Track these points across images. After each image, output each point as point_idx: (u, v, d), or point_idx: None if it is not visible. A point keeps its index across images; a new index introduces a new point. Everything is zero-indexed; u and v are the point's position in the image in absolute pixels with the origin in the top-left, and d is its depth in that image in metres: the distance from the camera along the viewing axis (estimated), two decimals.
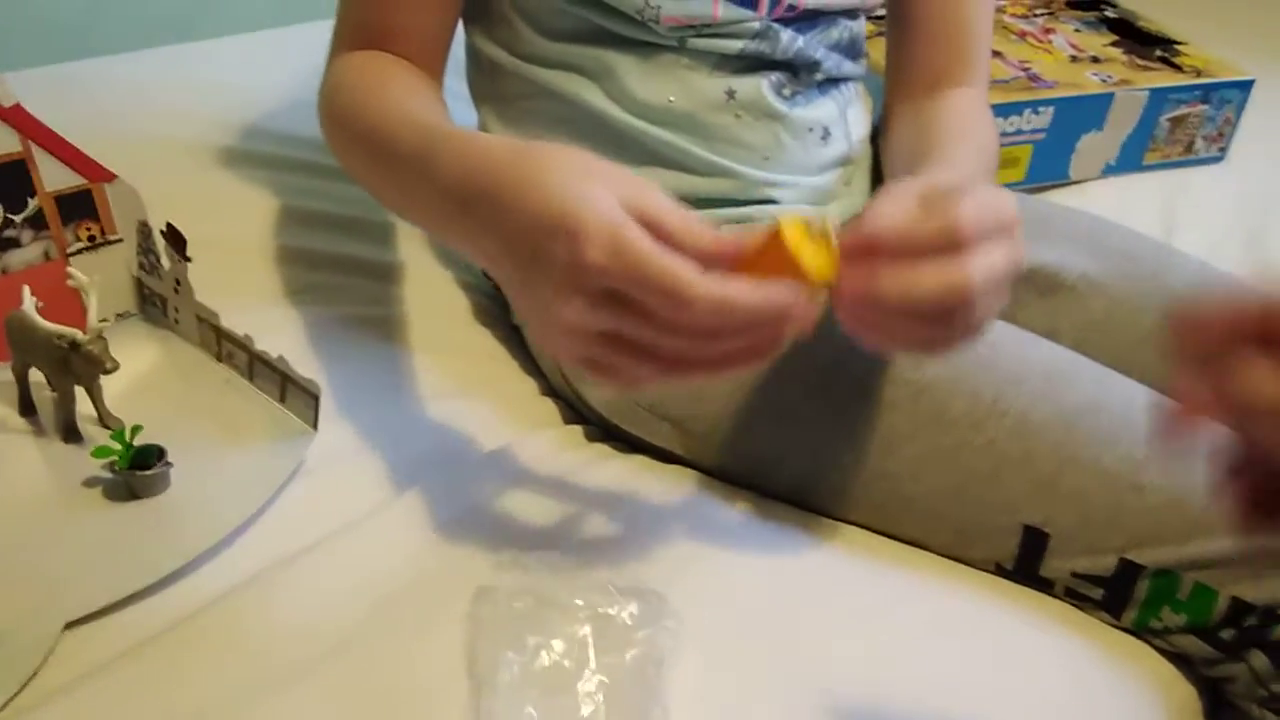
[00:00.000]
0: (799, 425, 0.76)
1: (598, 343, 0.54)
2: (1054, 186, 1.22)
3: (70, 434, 0.76)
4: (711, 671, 0.62)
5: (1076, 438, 0.70)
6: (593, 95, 0.80)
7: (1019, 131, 1.17)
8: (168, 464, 0.72)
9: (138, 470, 0.71)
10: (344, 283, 0.96)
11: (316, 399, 0.76)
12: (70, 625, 0.62)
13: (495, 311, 0.97)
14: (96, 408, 0.77)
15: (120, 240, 0.88)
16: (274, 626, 0.63)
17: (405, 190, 0.70)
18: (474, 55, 0.88)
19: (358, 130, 0.74)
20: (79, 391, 0.75)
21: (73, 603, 0.63)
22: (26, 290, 0.75)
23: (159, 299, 0.88)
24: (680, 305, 0.50)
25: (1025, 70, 1.21)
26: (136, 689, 0.59)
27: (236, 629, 0.63)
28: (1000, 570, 0.73)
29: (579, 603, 0.62)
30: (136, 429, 0.72)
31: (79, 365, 0.73)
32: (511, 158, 0.58)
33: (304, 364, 0.79)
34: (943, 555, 0.74)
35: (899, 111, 0.89)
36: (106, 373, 0.73)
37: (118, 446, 0.71)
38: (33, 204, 0.83)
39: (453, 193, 0.61)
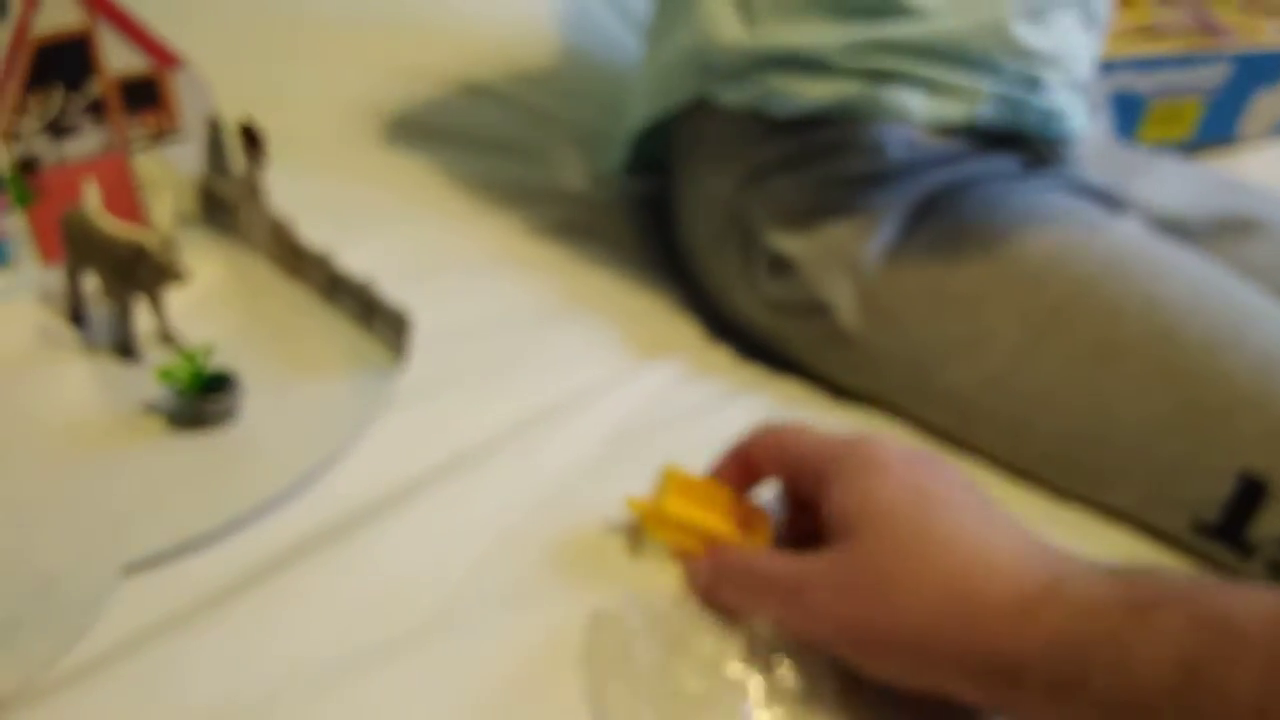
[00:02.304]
0: (1005, 316, 0.74)
1: None
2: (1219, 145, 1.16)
3: (128, 351, 0.70)
4: None
5: None
6: None
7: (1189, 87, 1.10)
8: (238, 392, 0.66)
9: (207, 396, 0.65)
10: (444, 197, 0.91)
11: (407, 326, 0.70)
12: (130, 570, 0.56)
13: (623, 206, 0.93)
14: (159, 318, 0.71)
15: (186, 135, 0.82)
16: (363, 587, 0.58)
17: None
18: None
19: None
20: (139, 304, 0.70)
21: (133, 544, 0.57)
22: (91, 187, 0.69)
23: (227, 205, 0.82)
24: None
25: (1200, 17, 1.14)
26: (205, 650, 0.53)
27: (319, 588, 0.57)
28: (1198, 527, 0.68)
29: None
30: (207, 351, 0.66)
31: (145, 273, 0.67)
32: None
33: (392, 286, 0.73)
34: (1129, 502, 0.71)
35: None
36: (176, 283, 0.67)
37: (186, 368, 0.65)
38: (94, 88, 0.77)
39: None
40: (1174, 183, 0.89)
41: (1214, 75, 1.07)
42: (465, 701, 0.52)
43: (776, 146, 0.81)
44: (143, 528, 0.58)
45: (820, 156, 0.80)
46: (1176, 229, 0.85)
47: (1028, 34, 0.78)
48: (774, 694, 0.51)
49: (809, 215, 0.80)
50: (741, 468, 0.58)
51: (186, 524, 0.58)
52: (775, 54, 0.79)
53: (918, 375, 0.77)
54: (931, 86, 0.79)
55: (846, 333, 0.79)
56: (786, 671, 0.51)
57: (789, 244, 0.80)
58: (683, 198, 0.89)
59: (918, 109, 0.79)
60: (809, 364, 0.82)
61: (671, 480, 0.58)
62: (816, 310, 0.79)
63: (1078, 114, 0.84)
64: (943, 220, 0.78)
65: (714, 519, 0.57)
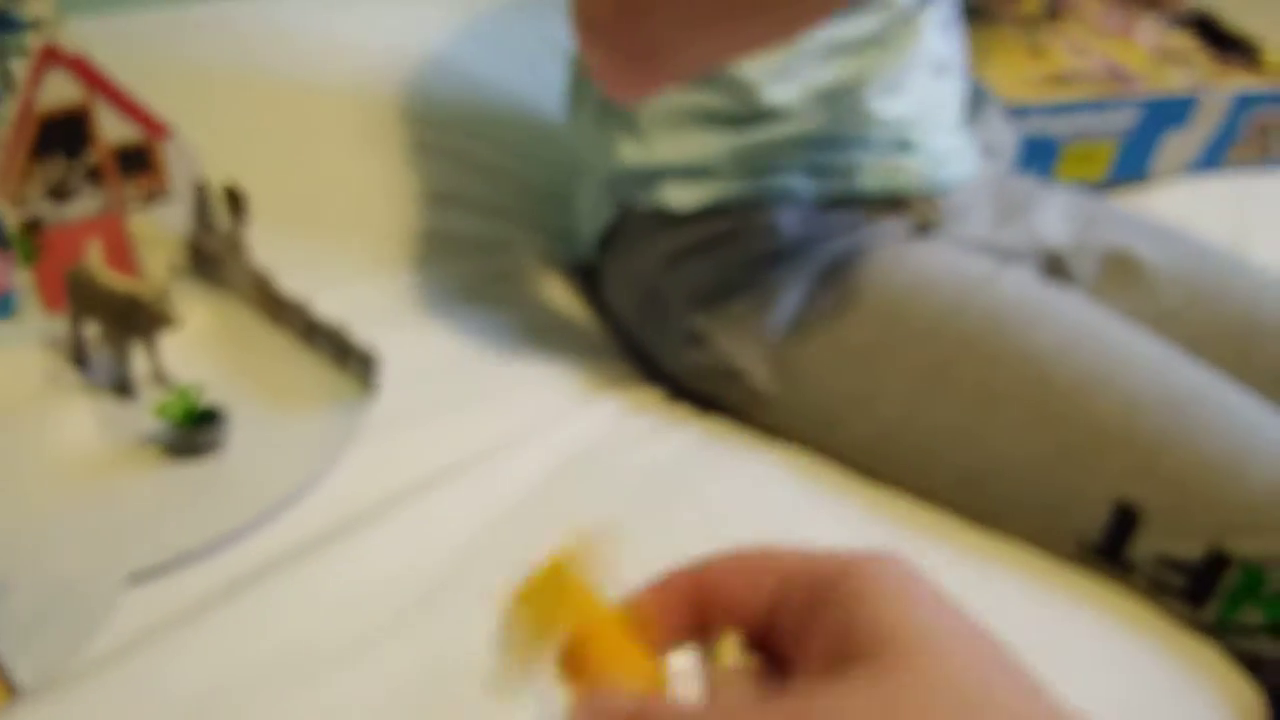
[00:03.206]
0: (898, 372, 0.80)
1: None
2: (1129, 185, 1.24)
3: (126, 389, 0.79)
4: None
5: (1181, 422, 0.73)
6: None
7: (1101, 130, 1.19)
8: (226, 424, 0.75)
9: (199, 429, 0.73)
10: (408, 249, 0.99)
11: (375, 365, 0.79)
12: (134, 579, 0.65)
13: (569, 271, 1.01)
14: (153, 364, 0.79)
15: (175, 197, 0.90)
16: (330, 597, 0.66)
17: None
18: None
19: None
20: (135, 348, 0.78)
21: (136, 557, 0.66)
22: (93, 245, 0.78)
23: (213, 259, 0.90)
24: None
25: (1109, 66, 1.23)
26: (202, 645, 0.61)
27: (294, 596, 0.65)
28: (1082, 550, 0.75)
29: None
30: (196, 390, 0.75)
31: (141, 320, 0.75)
32: None
33: (362, 329, 0.81)
34: (1023, 529, 0.77)
35: None
36: (169, 329, 0.75)
37: (179, 404, 0.73)
38: (92, 156, 0.86)
39: None
40: (1062, 218, 0.96)
41: (1124, 119, 1.16)
42: (431, 691, 0.60)
43: (684, 236, 0.90)
44: (145, 542, 0.67)
45: (723, 242, 0.88)
46: (1061, 268, 0.93)
47: (886, 107, 0.87)
48: None
49: (717, 293, 0.87)
50: (688, 597, 0.40)
51: (183, 539, 0.67)
52: (667, 167, 0.89)
53: (825, 428, 0.84)
54: (812, 169, 0.88)
55: (759, 394, 0.86)
56: None
57: (700, 321, 0.88)
58: (609, 274, 0.98)
59: (802, 190, 0.88)
60: (731, 415, 0.89)
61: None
62: (731, 375, 0.86)
63: (958, 160, 0.92)
64: (839, 287, 0.85)
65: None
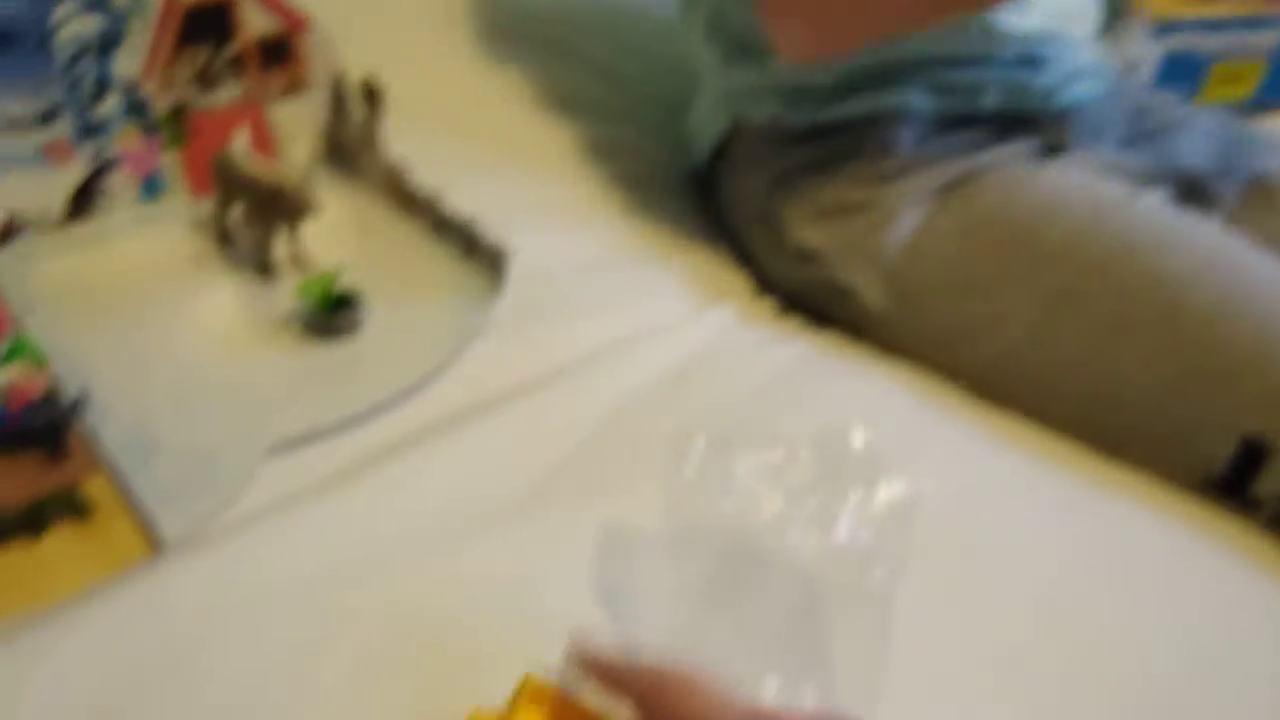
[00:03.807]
0: (1023, 296, 0.79)
1: None
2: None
3: (268, 271, 0.82)
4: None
5: None
6: None
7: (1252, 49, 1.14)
8: (362, 309, 0.78)
9: (336, 311, 0.76)
10: (531, 151, 1.01)
11: (504, 261, 0.81)
12: (273, 450, 0.68)
13: (685, 178, 1.02)
14: (294, 249, 0.83)
15: (314, 89, 0.93)
16: (457, 477, 0.68)
17: None
18: None
19: None
20: (278, 233, 0.82)
21: (275, 430, 0.69)
22: (241, 132, 0.81)
23: (348, 151, 0.93)
24: None
25: None
26: (334, 515, 0.64)
27: (423, 474, 0.68)
28: (1206, 484, 0.73)
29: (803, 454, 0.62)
30: (337, 273, 0.78)
31: (284, 207, 0.78)
32: None
33: (492, 227, 0.84)
34: (1145, 459, 0.75)
35: None
36: (310, 216, 0.78)
37: (319, 285, 0.77)
38: (235, 47, 0.89)
39: None
40: (1203, 141, 0.93)
41: (1276, 37, 1.12)
42: (549, 570, 0.62)
43: (799, 153, 0.89)
44: (283, 417, 0.70)
45: (839, 159, 0.87)
46: (1199, 193, 0.90)
47: (1014, 21, 0.85)
48: None
49: (831, 211, 0.87)
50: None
51: (319, 415, 0.70)
52: (782, 84, 0.88)
53: (942, 349, 0.83)
54: (934, 87, 0.86)
55: (873, 313, 0.85)
56: None
57: (813, 237, 0.87)
58: (724, 186, 0.98)
59: (922, 108, 0.86)
60: (844, 331, 0.88)
61: (527, 695, 0.49)
62: (844, 293, 0.86)
63: (1090, 78, 0.89)
64: (960, 207, 0.83)
65: None
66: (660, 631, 0.54)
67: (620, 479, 0.68)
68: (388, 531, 0.64)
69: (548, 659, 0.51)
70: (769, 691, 0.51)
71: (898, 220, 0.84)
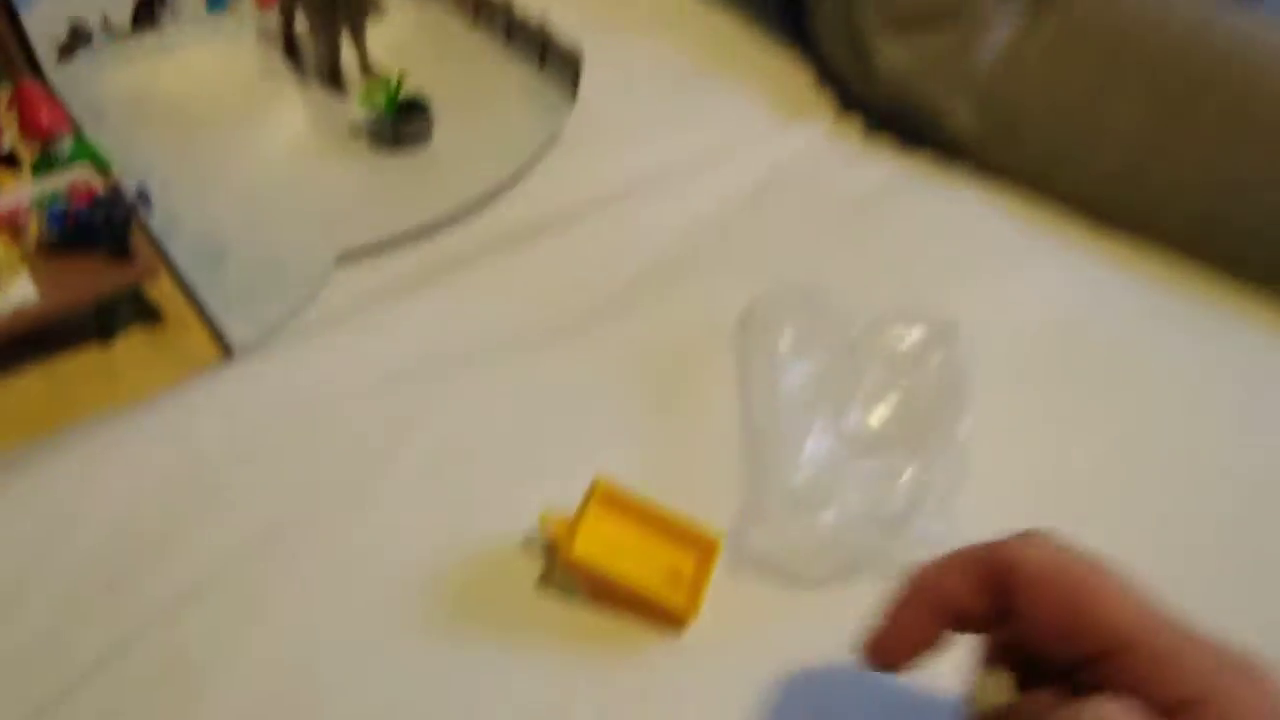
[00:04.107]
0: (1128, 110, 0.74)
1: None
2: None
3: (334, 79, 0.80)
4: (1002, 397, 0.61)
5: None
6: None
7: None
8: (429, 117, 0.75)
9: (402, 119, 0.74)
10: None
11: (579, 63, 0.78)
12: (341, 259, 0.67)
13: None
14: (359, 53, 0.80)
15: None
16: (537, 283, 0.67)
17: None
18: None
19: None
20: (342, 38, 0.79)
21: (343, 239, 0.67)
22: None
23: None
24: None
25: None
26: (401, 323, 0.63)
27: (500, 282, 0.67)
28: None
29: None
30: (402, 77, 0.75)
31: (349, 7, 0.76)
32: None
33: (569, 27, 0.80)
34: (1264, 272, 0.71)
35: None
36: (376, 14, 0.75)
37: (383, 90, 0.74)
38: None
39: None
40: None
41: None
42: (630, 373, 0.61)
43: None
44: (351, 226, 0.69)
45: None
46: None
47: None
48: None
49: (916, 26, 0.81)
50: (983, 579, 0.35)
51: (388, 226, 0.69)
52: None
53: (1041, 171, 0.78)
54: None
55: (963, 139, 0.80)
56: None
57: (896, 56, 0.82)
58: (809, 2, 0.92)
59: None
60: (935, 152, 0.83)
61: (597, 498, 0.49)
62: (936, 116, 0.81)
63: None
64: (1056, 17, 0.78)
65: (631, 568, 0.47)
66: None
67: (699, 294, 0.66)
68: (460, 338, 0.62)
69: (610, 463, 0.50)
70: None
71: (988, 33, 0.79)
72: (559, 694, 0.46)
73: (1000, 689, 0.35)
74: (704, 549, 0.49)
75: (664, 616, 0.47)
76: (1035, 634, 0.33)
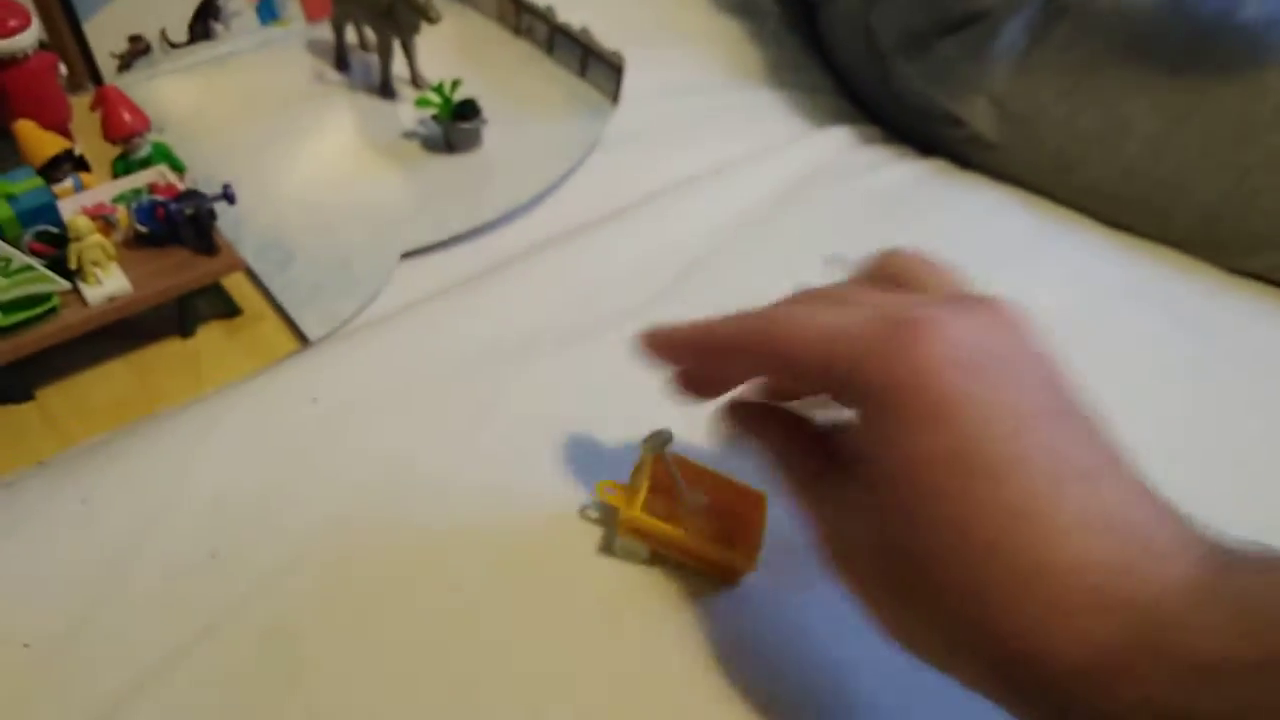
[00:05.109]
0: (1145, 107, 0.76)
1: None
2: None
3: (386, 89, 0.83)
4: None
5: None
6: None
7: None
8: (484, 119, 0.78)
9: (457, 122, 0.77)
10: None
11: (619, 71, 0.81)
12: (405, 256, 0.70)
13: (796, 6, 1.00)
14: (410, 64, 0.83)
15: None
16: (585, 277, 0.69)
17: None
18: None
19: None
20: (394, 50, 0.82)
21: (406, 238, 0.71)
22: None
23: None
24: None
25: None
26: (463, 316, 0.66)
27: (552, 277, 0.69)
28: None
29: None
30: (456, 83, 0.78)
31: (403, 15, 0.79)
32: None
33: (607, 39, 0.83)
34: (1273, 272, 0.74)
35: None
36: (430, 22, 0.78)
37: (438, 99, 0.77)
38: None
39: None
40: None
41: None
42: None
43: None
44: (413, 226, 0.72)
45: None
46: None
47: None
48: None
49: (929, 31, 0.83)
50: (706, 355, 0.47)
51: (447, 224, 0.72)
52: None
53: (1057, 171, 0.80)
54: None
55: (983, 141, 0.82)
56: None
57: (913, 63, 0.84)
58: (825, 13, 0.95)
59: None
60: (953, 158, 0.86)
61: (650, 464, 0.51)
62: (952, 121, 0.83)
63: None
64: (1070, 17, 0.79)
65: (689, 534, 0.50)
66: None
67: (737, 286, 0.68)
68: (513, 330, 0.65)
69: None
70: None
71: (1000, 36, 0.81)
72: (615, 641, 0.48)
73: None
74: (753, 504, 0.52)
75: (722, 571, 0.50)
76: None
